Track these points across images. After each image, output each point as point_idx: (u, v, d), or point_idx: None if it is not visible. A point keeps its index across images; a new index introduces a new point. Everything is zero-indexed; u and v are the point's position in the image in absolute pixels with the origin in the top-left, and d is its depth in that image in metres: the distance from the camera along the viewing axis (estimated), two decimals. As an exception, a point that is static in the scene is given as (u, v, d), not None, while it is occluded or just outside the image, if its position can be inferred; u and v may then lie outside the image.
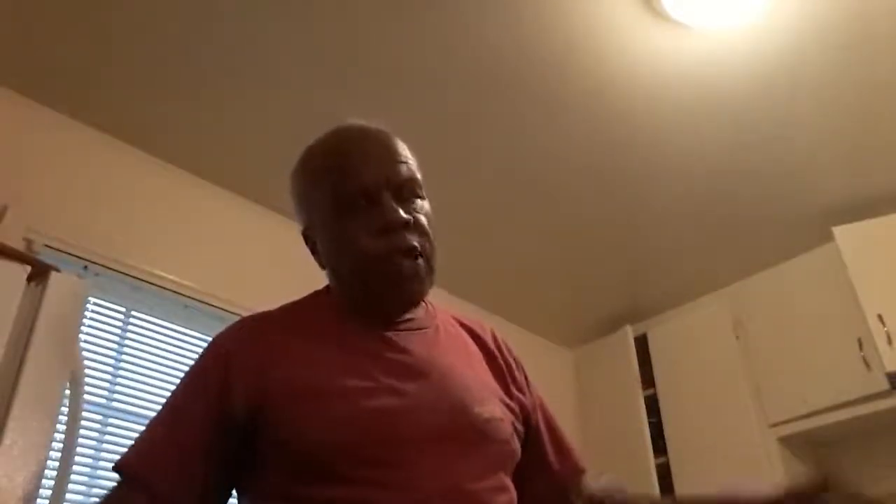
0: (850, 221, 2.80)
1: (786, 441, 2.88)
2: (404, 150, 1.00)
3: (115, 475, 0.88)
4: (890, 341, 2.56)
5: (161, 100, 2.33)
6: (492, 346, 1.06)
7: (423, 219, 0.96)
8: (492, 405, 0.93)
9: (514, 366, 1.06)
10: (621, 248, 3.14)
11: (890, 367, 2.55)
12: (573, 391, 3.74)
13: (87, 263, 2.25)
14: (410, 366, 0.92)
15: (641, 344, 3.40)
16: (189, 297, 2.45)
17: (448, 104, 2.39)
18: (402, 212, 0.93)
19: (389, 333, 0.95)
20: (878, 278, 2.68)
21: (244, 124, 2.43)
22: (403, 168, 0.98)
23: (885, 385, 2.60)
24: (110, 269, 2.30)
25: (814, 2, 2.06)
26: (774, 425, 2.89)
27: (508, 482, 0.92)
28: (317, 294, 1.03)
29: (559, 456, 1.05)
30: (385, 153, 0.98)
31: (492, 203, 2.85)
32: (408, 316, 0.99)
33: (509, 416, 0.96)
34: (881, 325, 2.59)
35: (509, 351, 1.08)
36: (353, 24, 2.10)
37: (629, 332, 3.41)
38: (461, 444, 0.87)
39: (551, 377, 3.66)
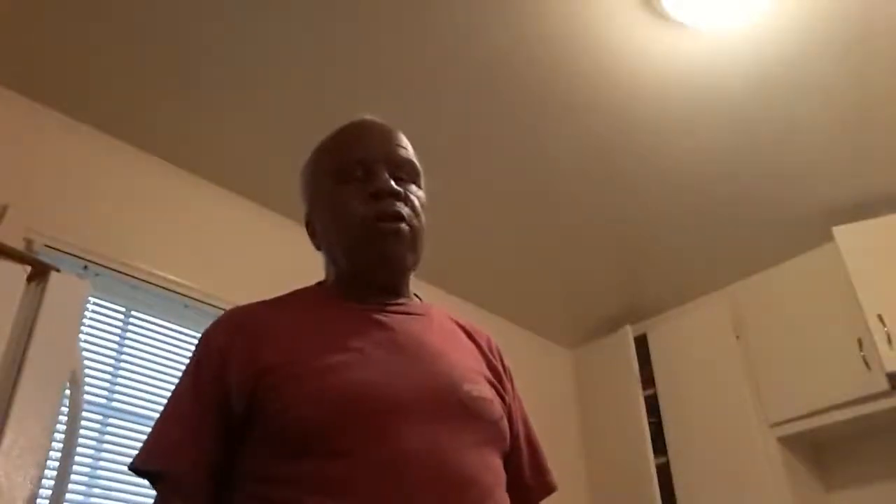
0: (850, 221, 2.80)
1: (786, 441, 2.88)
2: (406, 141, 1.06)
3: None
4: (890, 341, 2.56)
5: (161, 100, 2.33)
6: (485, 346, 1.06)
7: (414, 199, 1.01)
8: (481, 385, 0.94)
9: (503, 373, 1.06)
10: (621, 249, 3.15)
11: (890, 367, 2.55)
12: (573, 391, 3.74)
13: (87, 263, 2.25)
14: (398, 343, 0.93)
15: (641, 344, 3.39)
16: (189, 297, 2.45)
17: (449, 106, 2.39)
18: (393, 183, 0.99)
19: (379, 315, 0.96)
20: (878, 278, 2.68)
21: (244, 124, 2.43)
22: (402, 151, 1.04)
23: (885, 385, 2.60)
24: (110, 269, 2.30)
25: (814, 3, 2.06)
26: (774, 425, 2.89)
27: (497, 462, 0.92)
28: (307, 287, 1.06)
29: (534, 472, 1.06)
30: (387, 137, 1.05)
31: (492, 203, 2.85)
32: (399, 300, 1.01)
33: (499, 400, 0.96)
34: (881, 325, 2.58)
35: (501, 358, 1.09)
36: (353, 25, 2.10)
37: (629, 332, 3.40)
38: (448, 420, 0.87)
39: (551, 377, 3.67)
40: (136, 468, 0.87)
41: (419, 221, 1.00)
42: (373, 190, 0.97)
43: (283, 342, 0.90)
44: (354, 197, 0.98)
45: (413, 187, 1.02)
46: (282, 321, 0.94)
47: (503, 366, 1.07)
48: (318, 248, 1.06)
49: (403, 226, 0.97)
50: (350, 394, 0.84)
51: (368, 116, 1.08)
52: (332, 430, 0.82)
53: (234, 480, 0.87)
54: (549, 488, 1.07)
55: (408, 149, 1.05)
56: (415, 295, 1.08)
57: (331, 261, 1.04)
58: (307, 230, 1.07)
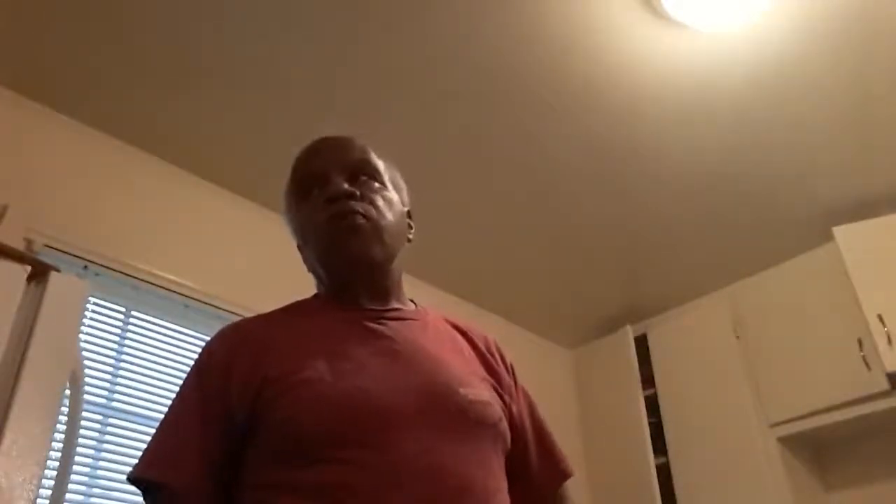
0: (850, 221, 2.80)
1: (786, 441, 2.88)
2: (361, 143, 1.08)
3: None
4: (890, 341, 2.56)
5: (161, 100, 2.33)
6: (482, 346, 1.06)
7: (374, 195, 1.02)
8: (478, 388, 0.94)
9: (504, 370, 1.06)
10: (621, 249, 3.14)
11: (890, 367, 2.56)
12: (573, 391, 3.74)
13: (87, 263, 2.25)
14: (394, 350, 0.93)
15: (641, 344, 3.40)
16: (189, 297, 2.45)
17: (449, 107, 2.39)
18: (345, 185, 1.00)
19: (374, 323, 0.97)
20: (878, 278, 2.68)
21: (244, 124, 2.43)
22: (356, 153, 1.05)
23: (885, 385, 2.60)
24: (110, 269, 2.30)
25: (814, 3, 2.06)
26: (774, 425, 2.89)
27: (498, 466, 0.92)
28: (304, 299, 1.06)
29: (544, 461, 1.06)
30: (339, 145, 1.06)
31: (492, 203, 2.85)
32: (393, 306, 1.02)
33: (498, 401, 0.97)
34: (881, 325, 2.59)
35: (501, 355, 1.09)
36: (353, 25, 2.10)
37: (629, 332, 3.40)
38: (446, 425, 0.87)
39: (551, 377, 3.67)
40: (137, 477, 0.87)
41: (380, 214, 1.00)
42: (327, 196, 0.99)
43: (283, 354, 0.91)
44: (314, 208, 1.00)
45: (375, 184, 1.04)
46: (281, 333, 0.95)
47: (504, 362, 1.07)
48: (310, 270, 1.08)
49: (360, 220, 0.98)
50: (349, 402, 0.85)
51: (325, 135, 1.10)
52: (331, 438, 0.82)
53: (235, 489, 0.88)
54: (563, 475, 1.07)
55: (364, 149, 1.07)
56: (410, 301, 1.08)
57: (316, 277, 1.06)
58: (301, 255, 1.09)
